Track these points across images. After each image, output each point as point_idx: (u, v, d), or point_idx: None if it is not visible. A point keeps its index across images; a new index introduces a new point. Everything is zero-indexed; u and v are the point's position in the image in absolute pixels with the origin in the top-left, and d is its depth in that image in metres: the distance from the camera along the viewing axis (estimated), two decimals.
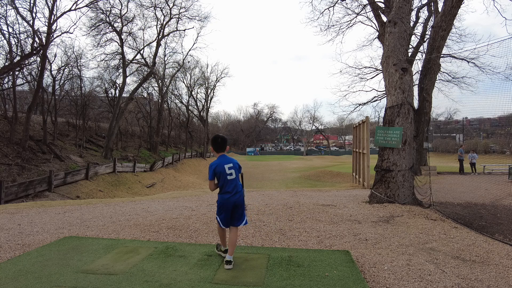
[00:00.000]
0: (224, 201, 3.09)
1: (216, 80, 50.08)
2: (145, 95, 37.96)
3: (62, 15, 19.08)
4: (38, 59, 18.84)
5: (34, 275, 2.93)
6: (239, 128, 77.77)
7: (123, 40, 25.68)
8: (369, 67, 21.18)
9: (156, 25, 28.45)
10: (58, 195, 13.71)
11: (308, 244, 3.90)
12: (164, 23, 28.26)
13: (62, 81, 25.48)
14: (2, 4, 17.13)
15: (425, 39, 15.09)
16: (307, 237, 4.19)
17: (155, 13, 27.86)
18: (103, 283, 2.77)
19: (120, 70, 26.50)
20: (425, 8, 15.87)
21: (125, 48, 25.95)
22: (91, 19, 23.67)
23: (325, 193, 8.83)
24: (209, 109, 52.54)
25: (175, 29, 29.75)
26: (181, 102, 47.89)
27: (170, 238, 4.20)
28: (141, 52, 28.58)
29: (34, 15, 17.43)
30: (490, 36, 53.76)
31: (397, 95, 6.58)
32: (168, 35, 29.75)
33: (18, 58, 17.84)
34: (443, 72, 17.09)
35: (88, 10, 22.54)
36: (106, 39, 25.17)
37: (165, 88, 36.48)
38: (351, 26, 17.62)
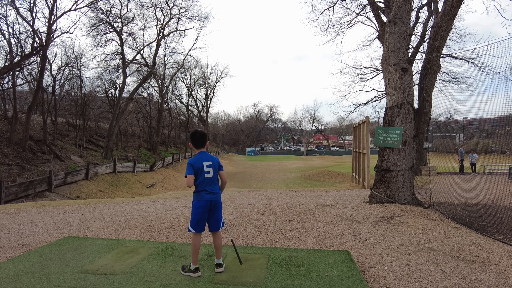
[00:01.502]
0: (201, 199, 2.91)
1: (216, 80, 50.24)
2: (145, 95, 37.97)
3: (62, 15, 19.10)
4: (38, 59, 18.84)
5: (34, 275, 2.93)
6: (239, 128, 77.78)
7: (123, 40, 25.69)
8: (369, 67, 21.20)
9: (156, 25, 28.48)
10: (58, 195, 13.71)
11: (308, 244, 3.90)
12: (164, 23, 28.28)
13: (62, 81, 25.51)
14: (2, 4, 17.14)
15: (425, 39, 15.09)
16: (307, 237, 4.19)
17: (155, 13, 27.88)
18: (103, 283, 2.77)
19: (120, 70, 26.51)
20: (425, 8, 15.88)
21: (125, 48, 26.00)
22: (91, 19, 23.71)
23: (325, 193, 8.83)
24: (209, 109, 52.76)
25: (175, 29, 29.78)
26: (181, 102, 48.01)
27: (170, 238, 4.20)
28: (141, 52, 28.62)
29: (34, 15, 17.44)
30: (490, 36, 53.83)
31: (397, 95, 6.58)
32: (168, 35, 29.77)
33: (18, 58, 17.84)
34: (443, 72, 17.10)
35: (88, 10, 22.56)
36: (106, 39, 25.20)
37: (165, 88, 36.50)
38: (351, 26, 17.64)
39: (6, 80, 20.11)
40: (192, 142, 3.05)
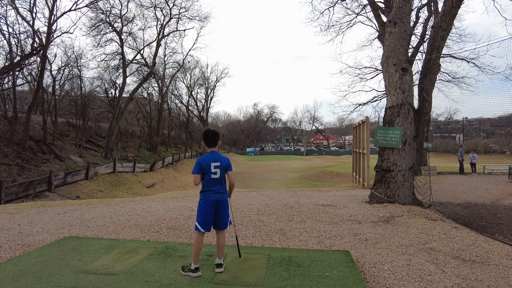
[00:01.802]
0: (207, 198, 2.94)
1: (216, 80, 50.20)
2: (145, 95, 37.98)
3: (62, 15, 19.11)
4: (38, 59, 18.84)
5: (34, 275, 2.93)
6: (239, 128, 77.71)
7: (123, 40, 25.69)
8: (369, 67, 21.21)
9: (156, 25, 28.50)
10: (58, 195, 13.71)
11: (308, 244, 3.90)
12: (164, 23, 28.28)
13: (62, 81, 25.52)
14: (2, 4, 17.14)
15: (425, 39, 15.09)
16: (307, 237, 4.19)
17: (155, 13, 27.89)
18: (103, 283, 2.77)
19: (120, 70, 26.52)
20: (425, 8, 15.88)
21: (125, 48, 26.01)
22: (91, 19, 23.72)
23: (325, 193, 8.83)
24: (209, 109, 52.70)
25: (175, 29, 29.79)
26: (181, 102, 48.02)
27: (170, 238, 4.20)
28: (141, 52, 28.63)
29: (34, 15, 17.45)
30: (490, 36, 53.83)
31: (397, 95, 6.58)
32: (168, 35, 29.77)
33: (18, 58, 17.84)
34: (443, 72, 17.10)
35: (88, 10, 22.58)
36: (106, 39, 25.21)
37: (165, 88, 36.50)
38: (351, 26, 17.65)
39: (6, 80, 20.12)
40: (204, 141, 3.10)
